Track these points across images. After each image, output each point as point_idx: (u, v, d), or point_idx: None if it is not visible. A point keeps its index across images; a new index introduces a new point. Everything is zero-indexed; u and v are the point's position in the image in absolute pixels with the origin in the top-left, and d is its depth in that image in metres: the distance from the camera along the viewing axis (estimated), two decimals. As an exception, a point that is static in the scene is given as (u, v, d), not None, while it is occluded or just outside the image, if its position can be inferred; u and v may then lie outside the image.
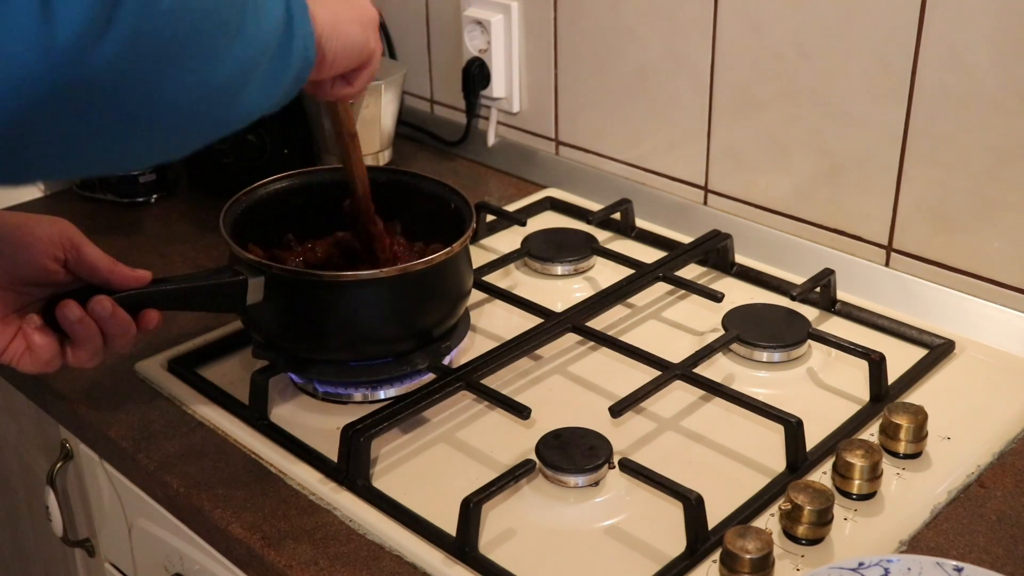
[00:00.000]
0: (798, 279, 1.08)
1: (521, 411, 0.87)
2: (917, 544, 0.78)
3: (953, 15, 0.97)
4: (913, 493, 0.83)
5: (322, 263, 1.00)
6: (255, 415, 0.92)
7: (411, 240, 1.03)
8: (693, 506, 0.76)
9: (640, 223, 1.23)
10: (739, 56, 1.14)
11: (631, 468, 0.81)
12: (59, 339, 0.79)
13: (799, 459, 0.85)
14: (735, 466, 0.86)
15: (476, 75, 1.37)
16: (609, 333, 1.00)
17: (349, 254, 1.01)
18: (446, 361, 0.96)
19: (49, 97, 0.51)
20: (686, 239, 1.17)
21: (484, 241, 1.22)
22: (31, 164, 0.56)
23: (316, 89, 0.83)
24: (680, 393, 0.93)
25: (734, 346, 0.99)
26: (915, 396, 0.94)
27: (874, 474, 0.81)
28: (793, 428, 0.85)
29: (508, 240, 1.21)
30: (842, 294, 1.07)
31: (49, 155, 0.56)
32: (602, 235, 1.22)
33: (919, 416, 0.85)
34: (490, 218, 1.23)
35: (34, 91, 0.50)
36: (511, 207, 1.28)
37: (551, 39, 1.32)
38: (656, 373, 0.92)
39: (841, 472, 0.81)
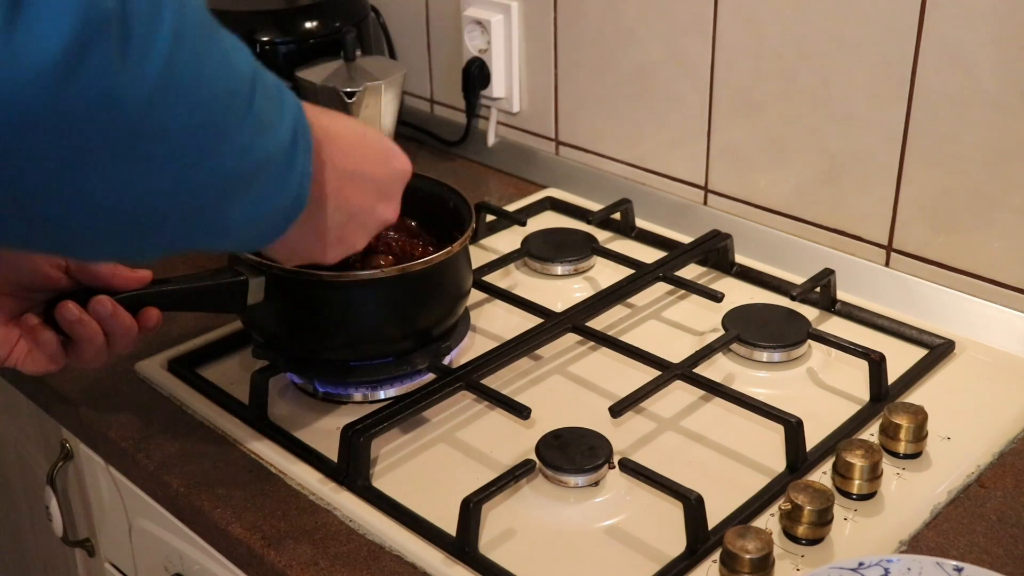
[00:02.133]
0: (798, 279, 1.08)
1: (521, 411, 0.87)
2: (917, 544, 0.78)
3: (953, 15, 0.97)
4: (913, 493, 0.83)
5: None
6: (255, 415, 0.92)
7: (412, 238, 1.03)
8: (693, 506, 0.76)
9: (640, 223, 1.23)
10: (739, 56, 1.14)
11: (631, 468, 0.81)
12: (60, 339, 0.79)
13: (799, 459, 0.85)
14: (735, 466, 0.86)
15: (476, 75, 1.37)
16: (609, 333, 1.00)
17: None
18: (446, 361, 0.96)
19: (10, 132, 0.46)
20: (686, 239, 1.17)
21: (484, 241, 1.22)
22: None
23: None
24: (680, 393, 0.93)
25: (734, 346, 0.99)
26: (915, 396, 0.94)
27: (874, 474, 0.81)
28: (793, 428, 0.85)
29: (508, 240, 1.21)
30: (842, 294, 1.07)
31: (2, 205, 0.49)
32: (602, 235, 1.22)
33: (919, 416, 0.85)
34: (490, 218, 1.23)
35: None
36: (511, 207, 1.28)
37: (551, 39, 1.32)
38: (656, 373, 0.92)
39: (841, 472, 0.81)
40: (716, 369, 0.97)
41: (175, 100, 0.50)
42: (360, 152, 0.72)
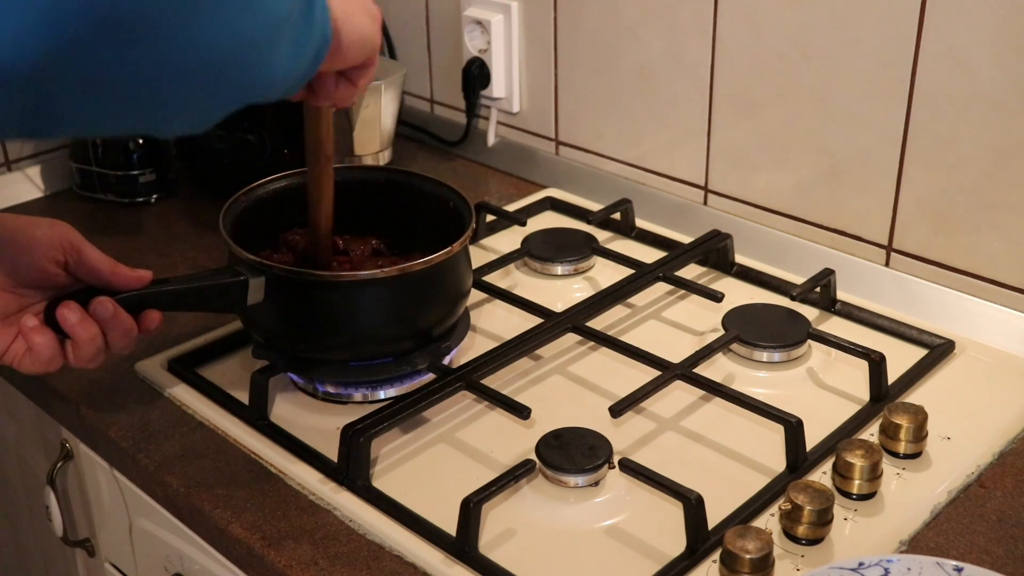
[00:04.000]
0: (798, 279, 1.08)
1: (521, 411, 0.87)
2: (917, 544, 0.78)
3: (953, 15, 0.97)
4: (913, 493, 0.83)
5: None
6: (255, 415, 0.92)
7: (402, 246, 1.02)
8: (693, 506, 0.76)
9: (640, 223, 1.23)
10: (739, 56, 1.14)
11: (631, 468, 0.81)
12: (59, 339, 0.79)
13: (799, 459, 0.85)
14: (735, 466, 0.86)
15: (476, 75, 1.37)
16: (609, 333, 1.00)
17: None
18: (446, 361, 0.96)
19: (86, 32, 0.50)
20: (686, 239, 1.17)
21: (484, 241, 1.22)
22: (60, 113, 0.55)
23: (320, 89, 0.82)
24: (680, 393, 0.93)
25: (734, 346, 0.99)
26: (915, 396, 0.94)
27: (874, 474, 0.81)
28: (793, 428, 0.85)
29: (508, 240, 1.21)
30: (842, 294, 1.07)
31: (80, 103, 0.55)
32: (602, 235, 1.22)
33: (919, 416, 0.85)
34: (490, 218, 1.23)
35: (72, 23, 0.50)
36: (511, 207, 1.28)
37: (551, 39, 1.32)
38: (656, 373, 0.92)
39: (841, 472, 0.81)
40: (716, 369, 0.97)
41: None
42: None
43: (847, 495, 0.81)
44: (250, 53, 0.60)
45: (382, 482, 0.85)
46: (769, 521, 0.80)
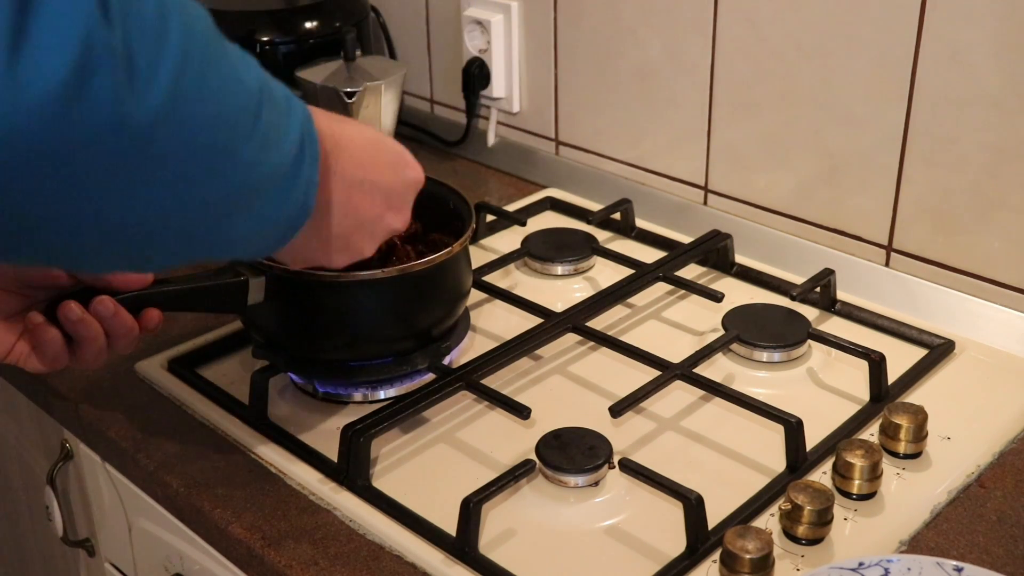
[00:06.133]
0: (798, 279, 1.08)
1: (521, 411, 0.87)
2: (917, 544, 0.78)
3: (953, 15, 0.97)
4: (913, 493, 0.83)
5: None
6: (255, 415, 0.92)
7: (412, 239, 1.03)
8: (693, 506, 0.76)
9: (640, 223, 1.23)
10: (739, 56, 1.14)
11: (631, 468, 0.81)
12: (64, 337, 0.79)
13: (799, 459, 0.85)
14: (735, 466, 0.86)
15: (476, 75, 1.37)
16: (609, 333, 1.00)
17: None
18: (446, 361, 0.96)
19: (17, 160, 0.46)
20: (686, 239, 1.17)
21: (484, 241, 1.22)
22: (13, 243, 0.50)
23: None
24: (680, 393, 0.93)
25: (734, 346, 0.99)
26: (915, 396, 0.94)
27: (874, 474, 0.81)
28: (793, 428, 0.85)
29: (508, 240, 1.21)
30: (842, 294, 1.07)
31: (9, 234, 0.50)
32: (602, 235, 1.22)
33: (919, 416, 0.85)
34: (490, 218, 1.23)
35: (10, 155, 0.45)
36: (511, 207, 1.28)
37: (551, 39, 1.32)
38: (656, 373, 0.92)
39: (841, 472, 0.81)
40: (716, 369, 0.97)
41: (181, 123, 0.50)
42: (371, 160, 0.72)
43: (847, 495, 0.81)
44: (202, 219, 0.55)
45: (382, 482, 0.85)
46: (769, 521, 0.80)
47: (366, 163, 0.71)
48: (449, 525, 0.78)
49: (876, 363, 0.93)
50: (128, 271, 0.58)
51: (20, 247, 0.51)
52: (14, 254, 0.52)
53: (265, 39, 1.28)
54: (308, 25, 1.31)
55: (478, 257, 1.13)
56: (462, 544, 0.77)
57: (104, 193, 0.50)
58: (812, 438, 0.86)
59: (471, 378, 0.92)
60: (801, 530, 0.77)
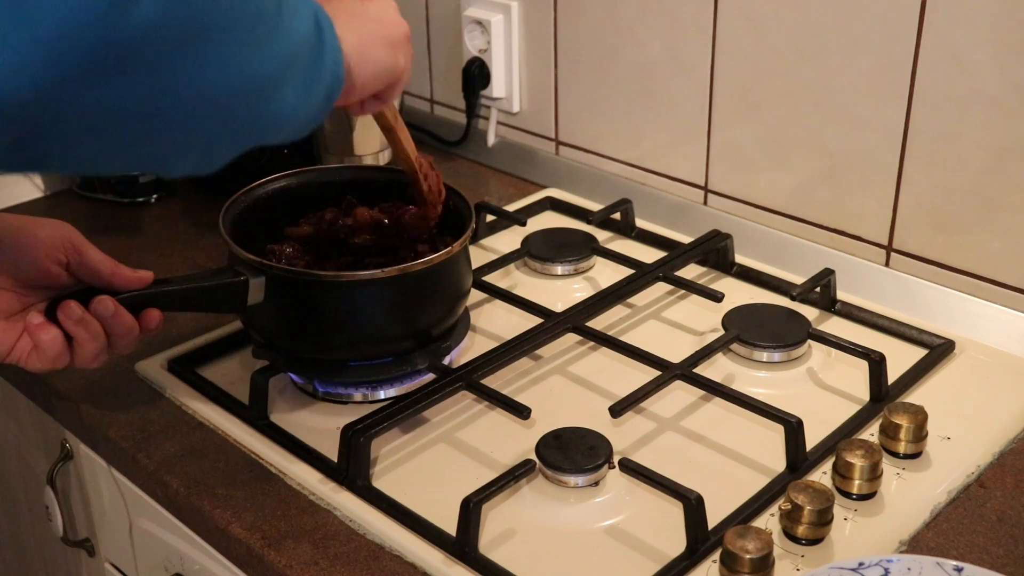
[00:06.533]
0: (798, 279, 1.08)
1: (521, 411, 0.87)
2: (917, 544, 0.78)
3: (953, 15, 0.97)
4: (913, 493, 0.83)
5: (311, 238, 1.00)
6: (255, 415, 0.92)
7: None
8: (693, 506, 0.76)
9: (640, 223, 1.23)
10: (739, 56, 1.14)
11: (631, 468, 0.81)
12: (64, 337, 0.79)
13: (799, 459, 0.85)
14: (735, 466, 0.86)
15: (476, 75, 1.37)
16: (609, 333, 1.00)
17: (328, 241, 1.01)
18: (446, 361, 0.96)
19: (84, 66, 0.50)
20: (686, 239, 1.17)
21: (484, 241, 1.22)
22: (49, 148, 0.54)
23: (348, 109, 0.82)
24: (680, 393, 0.93)
25: (734, 346, 0.99)
26: (915, 396, 0.94)
27: (874, 474, 0.81)
28: (793, 428, 0.85)
29: (508, 240, 1.21)
30: (842, 294, 1.07)
31: (72, 139, 0.54)
32: (602, 235, 1.22)
33: (919, 416, 0.85)
34: (490, 218, 1.23)
35: (73, 53, 0.49)
36: (511, 207, 1.28)
37: (551, 39, 1.32)
38: (656, 373, 0.92)
39: (841, 472, 0.81)
40: (716, 369, 0.97)
41: (231, 4, 0.56)
42: (363, 16, 0.77)
43: (847, 495, 0.81)
44: (255, 93, 0.59)
45: (382, 482, 0.85)
46: (769, 521, 0.80)
47: (362, 19, 0.76)
48: (449, 525, 0.78)
49: (876, 363, 0.93)
50: (203, 160, 0.61)
51: (81, 136, 0.55)
52: (71, 142, 0.55)
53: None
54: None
55: (478, 257, 1.13)
56: (462, 544, 0.77)
57: (167, 67, 0.54)
58: (812, 438, 0.86)
59: (471, 378, 0.92)
60: (801, 530, 0.77)
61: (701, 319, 1.06)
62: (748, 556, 0.72)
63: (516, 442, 0.88)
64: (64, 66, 0.49)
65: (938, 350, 0.99)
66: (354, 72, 0.73)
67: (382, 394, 0.94)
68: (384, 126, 0.93)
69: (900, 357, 0.98)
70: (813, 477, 0.84)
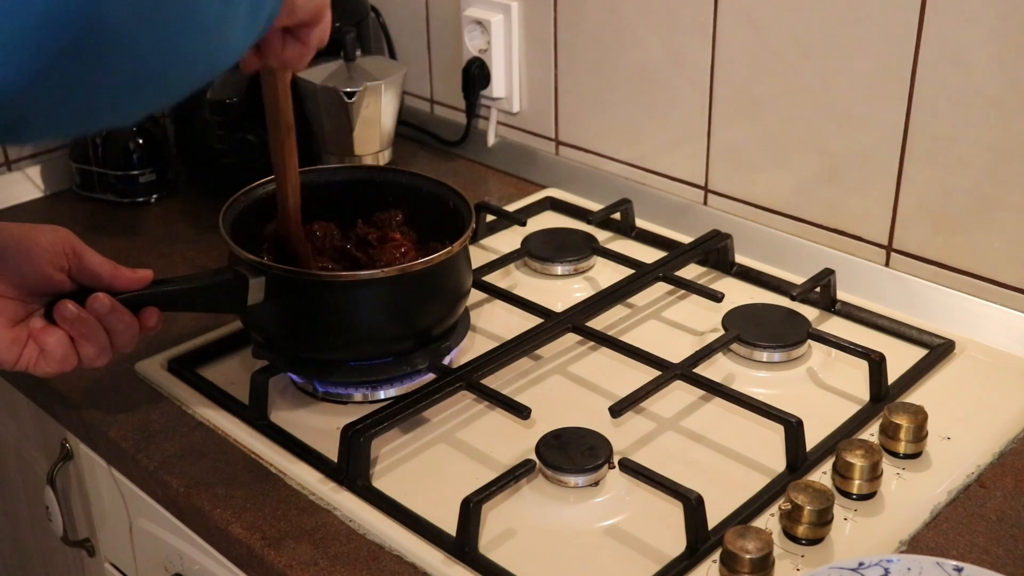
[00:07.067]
0: (798, 279, 1.08)
1: (521, 411, 0.87)
2: (917, 544, 0.78)
3: (953, 15, 0.97)
4: (913, 493, 0.83)
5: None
6: (255, 415, 0.92)
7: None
8: (693, 506, 0.76)
9: (640, 223, 1.23)
10: (739, 56, 1.14)
11: (631, 468, 0.81)
12: (69, 338, 0.79)
13: (799, 459, 0.85)
14: (735, 466, 0.86)
15: (476, 75, 1.37)
16: (609, 333, 1.00)
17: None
18: (446, 361, 0.96)
19: (69, 45, 0.51)
20: (686, 239, 1.17)
21: (484, 241, 1.22)
22: (34, 123, 0.55)
23: (266, 49, 0.80)
24: (680, 393, 0.93)
25: (734, 346, 0.99)
26: (915, 396, 0.94)
27: (874, 474, 0.81)
28: (793, 428, 0.85)
29: (508, 240, 1.21)
30: (842, 294, 1.07)
31: (56, 112, 0.55)
32: (602, 235, 1.22)
33: (919, 416, 0.85)
34: (490, 218, 1.23)
35: (57, 38, 0.50)
36: (511, 207, 1.28)
37: (551, 39, 1.32)
38: (656, 373, 0.92)
39: (841, 472, 0.81)
40: (716, 369, 0.97)
41: None
42: None
43: (847, 495, 0.81)
44: (215, 37, 0.61)
45: (382, 482, 0.85)
46: (769, 521, 0.80)
47: None
48: (449, 525, 0.78)
49: (876, 363, 0.93)
50: (159, 106, 0.63)
51: (64, 109, 0.56)
52: (55, 115, 0.56)
53: (265, 39, 1.28)
54: (308, 25, 1.31)
55: (478, 257, 1.13)
56: (462, 544, 0.77)
57: (140, 39, 0.55)
58: (812, 438, 0.86)
59: (471, 378, 0.92)
60: (801, 530, 0.77)
61: (701, 319, 1.06)
62: (748, 556, 0.72)
63: (516, 442, 0.88)
64: (50, 49, 0.50)
65: (938, 350, 0.99)
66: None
67: (382, 394, 0.94)
68: (270, 84, 0.86)
69: (900, 357, 0.98)
70: (813, 477, 0.84)
